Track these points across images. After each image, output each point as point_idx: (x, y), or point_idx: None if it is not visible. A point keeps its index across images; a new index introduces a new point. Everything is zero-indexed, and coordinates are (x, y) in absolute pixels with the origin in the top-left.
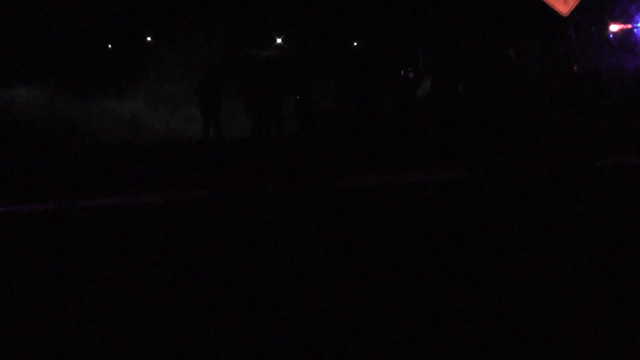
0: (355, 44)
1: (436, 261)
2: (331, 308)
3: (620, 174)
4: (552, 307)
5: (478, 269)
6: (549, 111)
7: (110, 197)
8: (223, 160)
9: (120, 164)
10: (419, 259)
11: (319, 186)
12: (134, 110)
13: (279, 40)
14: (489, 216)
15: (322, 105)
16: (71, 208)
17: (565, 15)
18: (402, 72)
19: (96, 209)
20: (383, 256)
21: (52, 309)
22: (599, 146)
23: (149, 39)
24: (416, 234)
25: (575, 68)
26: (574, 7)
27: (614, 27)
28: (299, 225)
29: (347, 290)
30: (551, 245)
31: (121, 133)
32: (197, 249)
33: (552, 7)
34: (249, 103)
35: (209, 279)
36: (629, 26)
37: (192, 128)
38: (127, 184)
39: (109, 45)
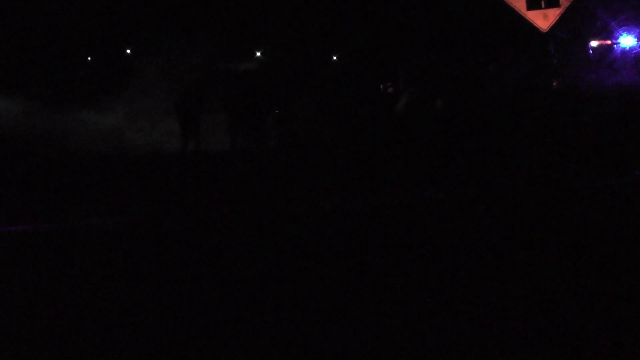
0: (334, 57)
1: (421, 285)
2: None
3: (599, 194)
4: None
5: (461, 289)
6: (528, 128)
7: (90, 216)
8: (202, 175)
9: (100, 178)
10: (401, 280)
11: (301, 208)
12: (113, 123)
13: (258, 54)
14: (472, 235)
15: (302, 120)
16: (47, 229)
17: (545, 31)
18: (382, 86)
19: (76, 228)
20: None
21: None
22: (578, 164)
23: (128, 51)
24: (399, 253)
25: (554, 84)
26: (553, 22)
27: (594, 43)
28: (281, 248)
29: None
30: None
31: (100, 146)
32: (171, 271)
33: (532, 22)
34: (229, 116)
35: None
36: (609, 42)
37: (171, 141)
38: (105, 200)
39: (89, 58)
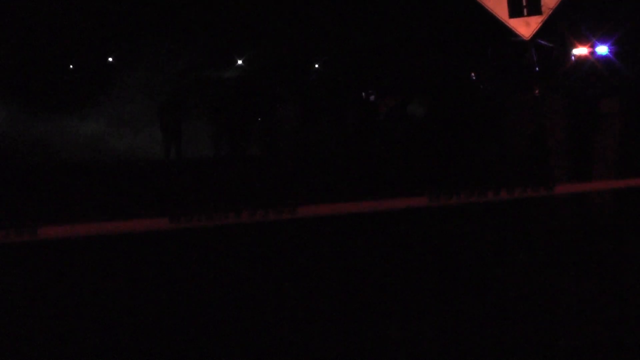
0: (317, 65)
1: (400, 292)
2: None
3: (580, 200)
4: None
5: (435, 301)
6: (508, 136)
7: (70, 225)
8: (183, 182)
9: (81, 185)
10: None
11: (280, 214)
12: (96, 130)
13: (240, 62)
14: (452, 244)
15: (283, 127)
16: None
17: (527, 39)
18: (363, 94)
19: (55, 240)
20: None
21: None
22: (558, 172)
23: (110, 59)
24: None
25: (536, 92)
26: (536, 30)
27: (576, 51)
28: (261, 255)
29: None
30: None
31: (82, 153)
32: (154, 280)
33: (514, 29)
34: (211, 123)
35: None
36: (591, 50)
37: (153, 148)
38: (86, 207)
39: (71, 65)
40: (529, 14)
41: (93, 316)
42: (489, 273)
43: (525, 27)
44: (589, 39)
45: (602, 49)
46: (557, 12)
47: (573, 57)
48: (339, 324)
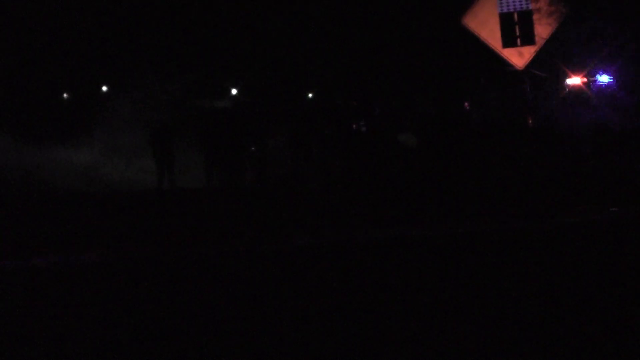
0: (310, 95)
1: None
2: None
3: (573, 231)
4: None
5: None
6: (503, 165)
7: (61, 254)
8: (176, 212)
9: (74, 215)
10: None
11: (276, 244)
12: (89, 160)
13: (233, 92)
14: (440, 276)
15: (276, 157)
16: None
17: (521, 69)
18: (354, 125)
19: (46, 266)
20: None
21: None
22: (554, 201)
23: (104, 88)
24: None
25: (530, 121)
26: (529, 60)
27: (569, 81)
28: (256, 284)
29: None
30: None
31: (75, 182)
32: (149, 308)
33: (508, 60)
34: (203, 154)
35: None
36: (585, 80)
37: (146, 178)
38: (79, 237)
39: (65, 95)
40: (523, 44)
41: (86, 343)
42: (488, 299)
43: (519, 57)
44: (582, 69)
45: (604, 78)
46: (550, 43)
47: (567, 88)
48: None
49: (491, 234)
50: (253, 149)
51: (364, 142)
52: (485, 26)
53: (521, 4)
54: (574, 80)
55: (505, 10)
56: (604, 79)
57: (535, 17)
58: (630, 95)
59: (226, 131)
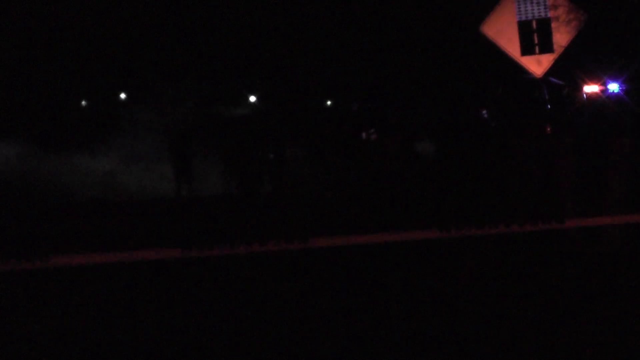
0: (329, 102)
1: (414, 320)
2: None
3: (591, 234)
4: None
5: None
6: (521, 173)
7: (81, 257)
8: (195, 218)
9: (93, 222)
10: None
11: (291, 245)
12: (107, 167)
13: (252, 99)
14: (464, 276)
15: (294, 164)
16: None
17: (539, 77)
18: (364, 134)
19: (67, 268)
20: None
21: None
22: (569, 207)
23: (122, 95)
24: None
25: (548, 129)
26: (547, 68)
27: (587, 89)
28: (273, 283)
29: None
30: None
31: (94, 190)
32: (170, 309)
33: (526, 67)
34: (222, 161)
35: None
36: (602, 88)
37: (165, 186)
38: (98, 242)
39: (83, 102)
40: (541, 52)
41: (104, 343)
42: (498, 305)
43: (537, 65)
44: (600, 77)
45: (613, 86)
46: (568, 50)
47: (585, 95)
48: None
49: (511, 235)
50: (272, 156)
51: (378, 149)
52: (504, 34)
53: (539, 12)
54: (592, 88)
55: (523, 18)
56: (613, 87)
57: (553, 25)
58: (636, 104)
59: (244, 138)
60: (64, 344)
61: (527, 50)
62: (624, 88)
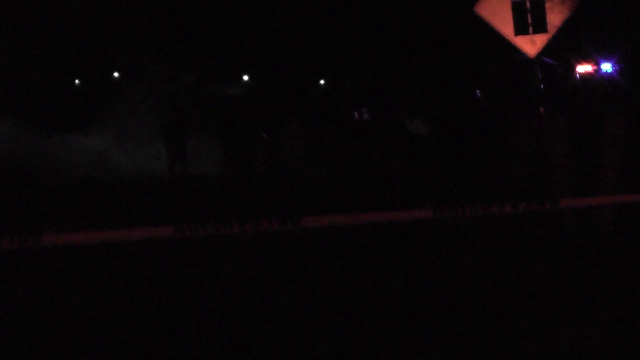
0: (322, 82)
1: (403, 301)
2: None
3: (584, 215)
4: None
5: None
6: (514, 153)
7: (74, 235)
8: (188, 197)
9: (86, 200)
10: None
11: (284, 224)
12: (100, 146)
13: (245, 78)
14: (455, 255)
15: (288, 143)
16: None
17: (533, 57)
18: (356, 113)
19: (60, 246)
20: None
21: None
22: (562, 187)
23: (116, 75)
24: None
25: (541, 110)
26: (541, 48)
27: (580, 69)
28: (266, 263)
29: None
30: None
31: (87, 169)
32: (163, 288)
33: (520, 48)
34: (215, 140)
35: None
36: (595, 67)
37: (158, 165)
38: (91, 221)
39: (76, 81)
40: (535, 32)
41: (95, 321)
42: (492, 285)
43: (531, 45)
44: (593, 57)
45: (606, 66)
46: (562, 30)
47: (577, 75)
48: (339, 329)
49: (504, 216)
50: (264, 135)
51: (372, 130)
52: (498, 14)
53: None
54: (585, 68)
55: None
56: (606, 67)
57: (547, 5)
58: (632, 84)
59: (237, 118)
60: (57, 323)
61: (520, 30)
62: (617, 68)
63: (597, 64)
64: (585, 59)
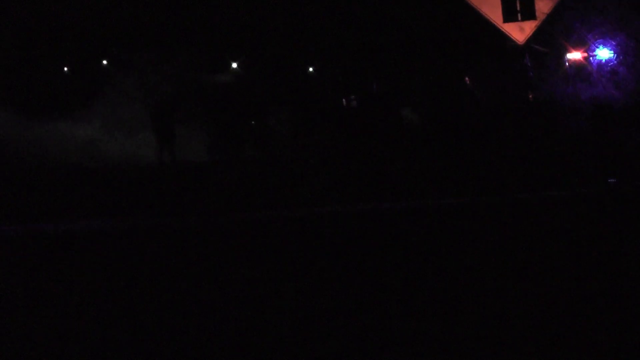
0: (311, 69)
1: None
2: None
3: (572, 204)
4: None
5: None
6: (504, 140)
7: (63, 223)
8: (178, 185)
9: (75, 188)
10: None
11: (274, 212)
12: (89, 133)
13: (234, 65)
14: (451, 243)
15: (277, 130)
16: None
17: (521, 43)
18: (344, 100)
19: (48, 235)
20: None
21: None
22: (552, 176)
23: (104, 62)
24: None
25: (530, 97)
26: (530, 34)
27: (570, 56)
28: (257, 250)
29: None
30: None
31: (76, 157)
32: (155, 275)
33: (508, 34)
34: (205, 127)
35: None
36: (585, 54)
37: (147, 152)
38: (80, 209)
39: (65, 68)
40: (523, 19)
41: (88, 312)
42: (490, 272)
43: (520, 32)
44: (583, 44)
45: (598, 53)
46: (551, 17)
47: (567, 62)
48: (337, 323)
49: (491, 205)
50: (253, 122)
51: (362, 117)
52: (486, 1)
53: None
54: (575, 55)
55: None
56: (603, 53)
57: None
58: (631, 70)
59: (226, 105)
60: (48, 309)
61: (509, 17)
62: (616, 54)
63: (587, 51)
64: (575, 46)
